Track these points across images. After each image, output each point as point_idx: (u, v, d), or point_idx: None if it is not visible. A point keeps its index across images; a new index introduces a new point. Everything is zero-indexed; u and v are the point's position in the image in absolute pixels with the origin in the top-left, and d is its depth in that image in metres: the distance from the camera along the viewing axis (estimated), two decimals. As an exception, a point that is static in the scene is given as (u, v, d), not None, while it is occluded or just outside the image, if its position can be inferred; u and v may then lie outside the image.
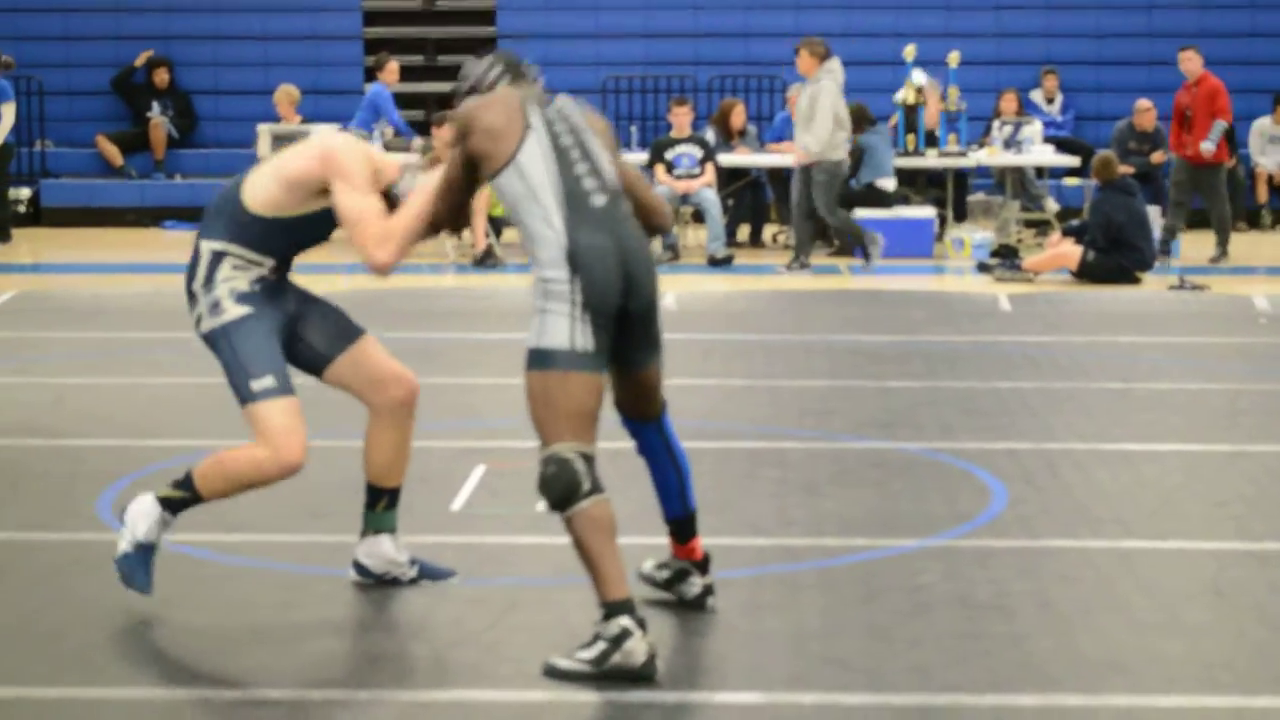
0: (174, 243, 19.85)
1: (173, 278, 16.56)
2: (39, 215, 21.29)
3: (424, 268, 16.78)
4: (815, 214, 16.57)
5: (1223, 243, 17.76)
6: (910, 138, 18.72)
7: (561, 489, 5.81)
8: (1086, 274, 16.01)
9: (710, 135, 18.75)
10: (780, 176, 18.82)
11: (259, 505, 8.00)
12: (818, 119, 16.34)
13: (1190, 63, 17.87)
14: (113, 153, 21.79)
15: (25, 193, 21.21)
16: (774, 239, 19.29)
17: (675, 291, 15.22)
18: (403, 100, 20.49)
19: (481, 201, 17.44)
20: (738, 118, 19.07)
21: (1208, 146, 17.43)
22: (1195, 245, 18.16)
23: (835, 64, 16.59)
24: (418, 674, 5.83)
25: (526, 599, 6.65)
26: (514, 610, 6.50)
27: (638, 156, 18.37)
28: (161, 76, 22.15)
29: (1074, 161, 19.44)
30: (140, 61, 22.13)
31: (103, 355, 12.19)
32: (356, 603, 6.60)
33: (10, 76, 19.82)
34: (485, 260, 17.32)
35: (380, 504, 6.73)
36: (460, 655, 6.01)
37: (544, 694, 5.66)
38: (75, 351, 12.30)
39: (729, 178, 18.61)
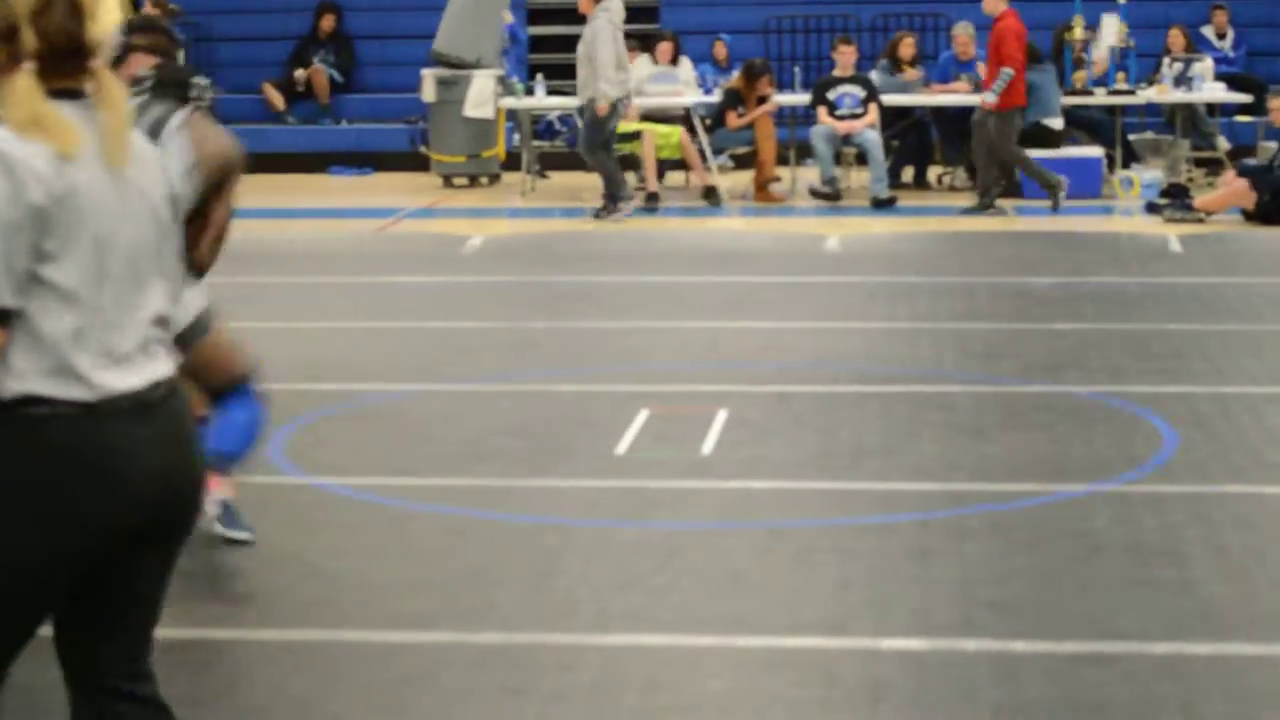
0: (339, 188, 20.03)
1: (338, 223, 16.76)
2: (209, 161, 21.52)
3: (587, 210, 16.79)
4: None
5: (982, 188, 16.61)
6: (1079, 75, 18.44)
7: None
8: (1260, 214, 15.67)
9: (876, 75, 18.56)
10: (944, 117, 18.60)
11: (421, 449, 8.06)
12: (600, 62, 16.18)
13: (990, 2, 16.45)
14: (277, 99, 21.99)
15: (197, 139, 21.45)
16: (939, 180, 19.08)
17: (838, 233, 15.12)
18: (561, 42, 20.49)
19: (650, 144, 17.41)
20: (905, 48, 18.83)
21: (989, 98, 16.24)
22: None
23: (614, 3, 16.50)
24: (582, 618, 5.83)
25: (689, 543, 6.64)
26: (677, 555, 6.48)
27: (800, 97, 18.25)
28: (328, 22, 22.31)
29: (1246, 99, 19.02)
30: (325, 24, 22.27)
31: (270, 299, 12.31)
32: (519, 547, 6.62)
33: (180, 23, 20.04)
34: (650, 202, 17.27)
35: None
36: (625, 600, 6.01)
37: (711, 639, 5.64)
38: (243, 295, 12.43)
39: (893, 118, 18.41)
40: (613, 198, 16.60)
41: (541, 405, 8.94)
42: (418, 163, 20.45)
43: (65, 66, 3.46)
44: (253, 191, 19.24)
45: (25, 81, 3.43)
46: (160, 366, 3.56)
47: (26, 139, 3.39)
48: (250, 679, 5.37)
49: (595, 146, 16.60)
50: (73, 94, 3.48)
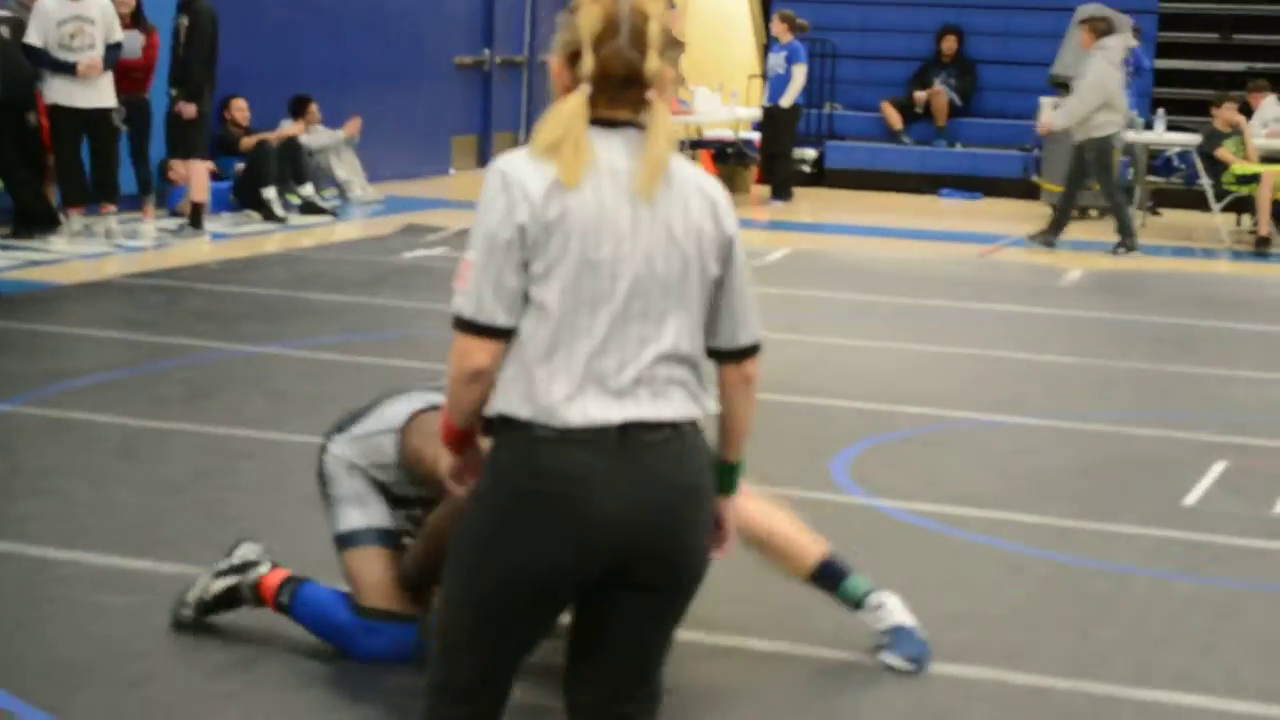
0: (948, 211, 20.10)
1: (943, 246, 16.83)
2: (822, 175, 21.94)
3: (1196, 251, 16.41)
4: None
5: None
6: None
7: None
8: None
9: None
10: None
11: (987, 480, 8.04)
12: (1077, 93, 16.47)
13: None
14: (894, 118, 22.22)
15: (810, 153, 21.89)
16: None
17: None
18: (1189, 78, 20.06)
19: (1267, 186, 16.90)
20: None
21: None
22: None
23: (1113, 41, 16.25)
24: (1121, 670, 5.73)
25: (1247, 604, 6.44)
26: (1232, 615, 6.31)
27: None
28: (950, 44, 22.42)
29: None
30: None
31: (866, 317, 12.49)
32: (1071, 590, 6.54)
33: (806, 39, 20.46)
34: (1260, 247, 16.76)
35: None
36: (1170, 656, 5.88)
37: (1251, 706, 5.46)
38: (839, 311, 12.66)
39: None
40: (1125, 236, 16.39)
41: (1115, 447, 8.82)
42: (1028, 190, 20.37)
43: (620, 95, 3.44)
44: (864, 209, 19.54)
45: (571, 105, 3.42)
46: (667, 407, 3.45)
47: (538, 161, 3.40)
48: (783, 691, 5.48)
49: (1107, 184, 16.45)
50: (623, 124, 3.46)
